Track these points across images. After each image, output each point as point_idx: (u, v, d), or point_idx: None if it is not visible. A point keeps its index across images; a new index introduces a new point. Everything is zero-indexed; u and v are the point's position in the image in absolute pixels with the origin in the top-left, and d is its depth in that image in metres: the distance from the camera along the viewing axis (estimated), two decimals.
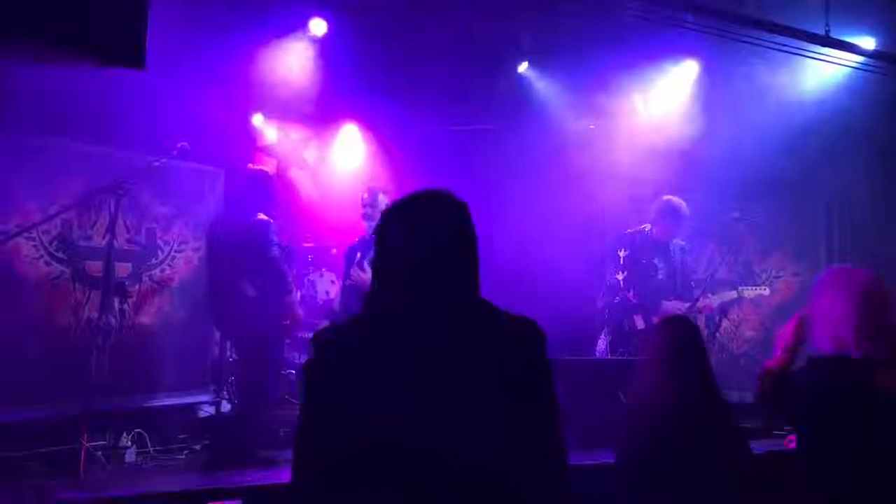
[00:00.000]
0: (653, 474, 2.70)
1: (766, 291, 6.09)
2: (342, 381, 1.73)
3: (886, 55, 6.18)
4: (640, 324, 5.71)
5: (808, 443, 3.04)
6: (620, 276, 5.79)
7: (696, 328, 3.05)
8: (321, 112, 7.64)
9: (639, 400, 2.91)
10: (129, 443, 5.51)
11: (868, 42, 6.23)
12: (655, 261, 5.83)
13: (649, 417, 2.82)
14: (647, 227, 5.91)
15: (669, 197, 5.88)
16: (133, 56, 2.92)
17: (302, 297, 6.82)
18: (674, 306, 5.69)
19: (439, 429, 1.67)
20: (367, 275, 5.42)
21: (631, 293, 5.74)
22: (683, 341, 2.94)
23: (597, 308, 5.97)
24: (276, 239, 5.25)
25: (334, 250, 7.36)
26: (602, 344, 5.87)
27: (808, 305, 3.02)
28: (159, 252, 6.04)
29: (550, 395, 1.79)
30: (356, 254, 5.81)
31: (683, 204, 5.87)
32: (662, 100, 7.25)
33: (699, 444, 2.70)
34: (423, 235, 1.79)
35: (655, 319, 5.66)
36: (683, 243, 5.97)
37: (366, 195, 5.84)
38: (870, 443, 2.79)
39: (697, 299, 5.74)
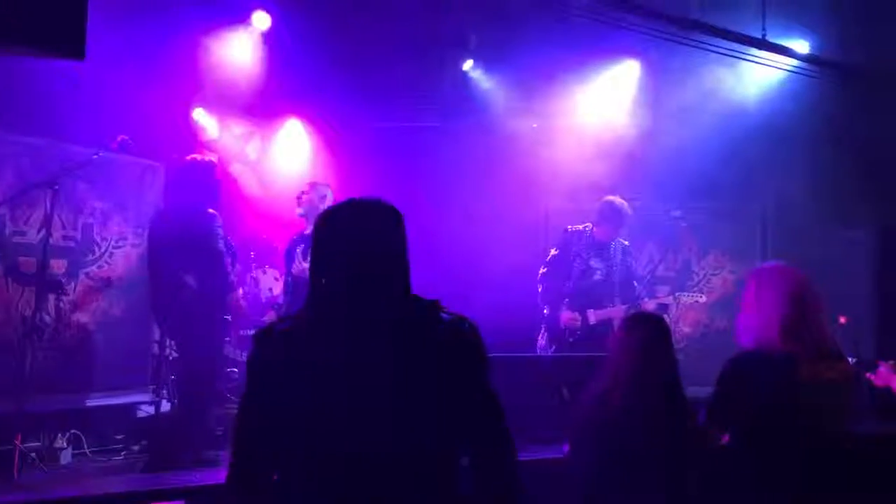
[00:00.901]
0: (611, 473, 2.71)
1: (703, 298, 6.17)
2: (280, 378, 1.80)
3: (819, 59, 6.38)
4: (569, 321, 5.76)
5: (744, 438, 3.13)
6: (541, 271, 5.85)
7: (664, 328, 3.05)
8: (264, 107, 7.55)
9: (598, 397, 2.91)
10: (65, 444, 5.37)
11: (802, 46, 6.42)
12: (593, 262, 5.87)
13: (609, 415, 2.82)
14: (589, 226, 5.96)
15: (611, 198, 5.92)
16: (73, 47, 2.85)
17: (246, 293, 6.73)
18: (603, 314, 5.75)
19: (378, 425, 1.75)
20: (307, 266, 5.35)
21: (540, 288, 5.79)
22: (653, 341, 2.95)
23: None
24: (221, 232, 5.14)
25: (277, 246, 7.27)
26: (542, 341, 5.90)
27: (745, 301, 3.09)
28: (96, 248, 5.89)
29: (487, 384, 1.89)
30: (297, 248, 5.75)
31: (625, 204, 5.92)
32: (605, 99, 7.34)
33: (660, 443, 2.73)
34: (356, 239, 1.90)
35: (592, 320, 5.74)
36: (626, 243, 6.01)
37: (305, 189, 5.78)
38: (801, 430, 2.88)
39: (632, 305, 5.75)
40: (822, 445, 2.91)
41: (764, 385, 3.00)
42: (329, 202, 5.81)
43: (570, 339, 5.67)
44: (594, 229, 5.90)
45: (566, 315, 5.70)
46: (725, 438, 3.22)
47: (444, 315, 1.88)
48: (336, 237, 1.92)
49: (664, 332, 3.02)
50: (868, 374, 3.78)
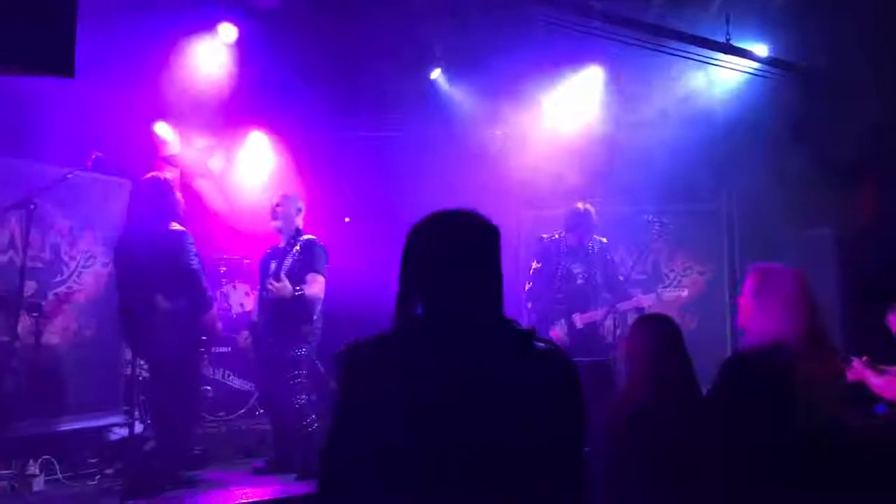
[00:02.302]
0: (632, 473, 2.72)
1: (685, 293, 6.29)
2: (370, 391, 1.73)
3: (780, 62, 6.52)
4: (559, 332, 5.80)
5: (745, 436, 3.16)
6: (528, 286, 5.89)
7: (675, 328, 3.06)
8: (227, 120, 7.42)
9: (616, 399, 2.92)
10: (37, 470, 5.19)
11: (762, 49, 6.56)
12: (573, 267, 5.92)
13: (628, 417, 2.83)
14: (561, 232, 6.01)
15: (577, 205, 5.99)
16: (62, 65, 2.79)
17: (217, 310, 6.60)
18: (587, 317, 5.80)
19: (465, 442, 1.67)
20: (283, 285, 5.28)
21: (530, 305, 5.83)
22: (665, 340, 2.97)
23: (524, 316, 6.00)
24: (194, 249, 5.02)
25: (247, 261, 7.17)
26: None
27: (744, 301, 3.14)
28: (65, 268, 5.74)
29: (579, 420, 1.78)
30: (270, 263, 5.65)
31: (592, 209, 5.98)
32: (571, 106, 7.40)
33: (679, 442, 2.74)
34: (455, 257, 1.81)
35: (579, 324, 5.79)
36: (604, 240, 6.08)
37: (276, 200, 5.69)
38: (798, 427, 2.92)
39: (613, 306, 5.81)
40: (820, 441, 2.95)
41: (761, 382, 3.04)
42: (303, 214, 5.74)
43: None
44: (566, 236, 5.95)
45: (555, 333, 5.75)
46: None
47: (539, 345, 1.77)
48: (434, 253, 1.82)
49: (675, 330, 3.04)
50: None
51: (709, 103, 6.84)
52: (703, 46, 6.24)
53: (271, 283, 5.27)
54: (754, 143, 6.58)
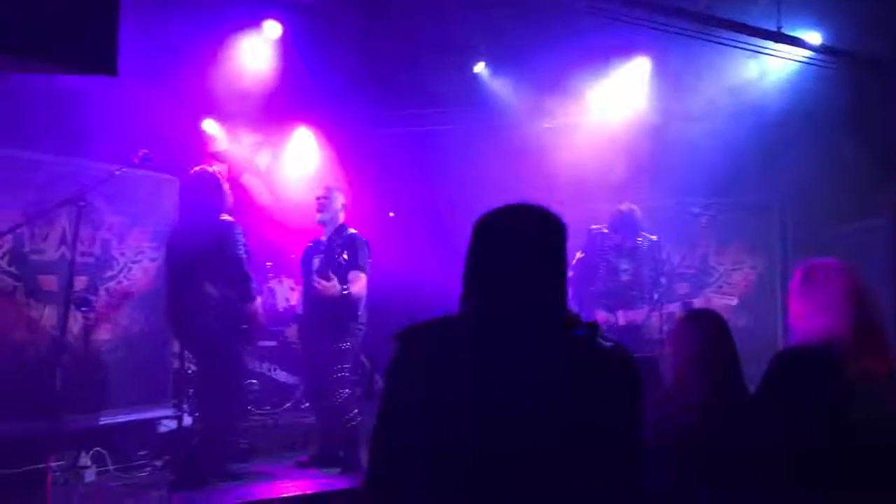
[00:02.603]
0: (681, 474, 2.66)
1: (734, 301, 6.12)
2: (425, 379, 1.70)
3: (834, 49, 6.34)
4: (603, 321, 5.74)
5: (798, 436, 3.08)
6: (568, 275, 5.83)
7: (724, 324, 2.97)
8: (273, 116, 7.51)
9: (665, 397, 2.86)
10: (89, 462, 5.31)
11: (815, 37, 6.38)
12: (619, 263, 5.84)
13: (675, 415, 2.77)
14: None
15: (621, 206, 5.89)
16: (105, 64, 2.82)
17: (262, 304, 6.66)
18: (630, 316, 5.72)
19: (522, 442, 1.62)
20: (332, 284, 5.30)
21: (571, 293, 5.77)
22: (712, 338, 2.89)
23: None
24: (242, 240, 5.08)
25: (293, 256, 7.22)
26: None
27: (791, 299, 3.06)
28: (115, 263, 5.84)
29: (640, 421, 1.75)
30: (313, 259, 5.68)
31: (636, 209, 5.89)
32: (617, 97, 7.30)
33: (726, 444, 2.68)
34: (513, 246, 1.77)
35: (622, 321, 5.71)
36: (654, 238, 5.98)
37: (321, 193, 5.71)
38: (850, 426, 2.83)
39: (657, 304, 5.71)
40: (872, 441, 2.86)
41: (812, 381, 2.96)
42: (346, 208, 5.76)
43: None
44: (613, 235, 5.88)
45: (601, 316, 5.68)
46: None
47: (604, 343, 1.73)
48: (500, 247, 1.78)
49: (722, 327, 2.94)
50: None
51: (759, 93, 6.68)
52: (753, 35, 6.09)
53: (318, 282, 5.29)
54: (807, 133, 6.43)
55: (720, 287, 6.99)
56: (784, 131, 6.52)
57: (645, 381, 2.93)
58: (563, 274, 1.82)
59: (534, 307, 1.74)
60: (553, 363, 1.67)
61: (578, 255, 5.94)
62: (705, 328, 2.92)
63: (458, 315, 1.77)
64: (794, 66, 6.46)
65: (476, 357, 1.68)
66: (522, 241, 1.78)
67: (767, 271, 7.19)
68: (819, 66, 6.31)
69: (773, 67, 6.61)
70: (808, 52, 6.24)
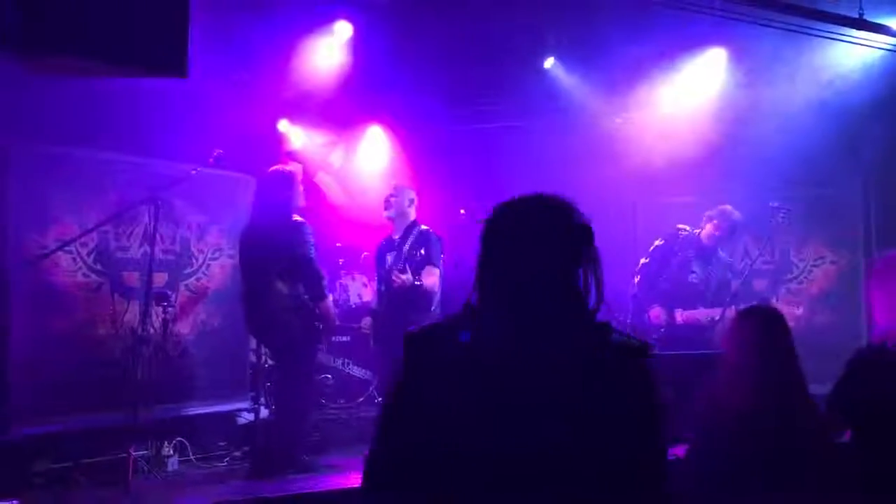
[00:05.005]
0: (735, 474, 2.60)
1: (799, 311, 5.90)
2: (431, 380, 1.68)
3: None
4: (659, 314, 5.67)
5: (866, 436, 2.99)
6: (643, 261, 5.77)
7: (779, 318, 2.85)
8: (346, 115, 7.64)
9: (717, 397, 2.77)
10: (171, 451, 5.53)
11: None
12: (693, 263, 5.74)
13: (731, 414, 2.70)
14: (697, 231, 5.83)
15: (734, 214, 5.73)
16: (176, 66, 2.92)
17: (335, 301, 6.80)
18: (689, 315, 5.61)
19: (532, 436, 1.59)
20: (408, 277, 5.40)
21: (637, 279, 5.70)
22: (768, 335, 2.77)
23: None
24: (312, 240, 5.20)
25: (365, 253, 7.34)
26: None
27: (871, 293, 2.97)
28: (194, 260, 6.05)
29: (656, 419, 1.67)
30: (387, 255, 5.79)
31: (738, 215, 5.75)
32: (692, 90, 7.15)
33: (786, 444, 2.60)
34: (515, 245, 1.72)
35: (679, 319, 5.60)
36: (731, 260, 5.91)
37: (392, 192, 5.81)
38: None
39: (729, 304, 5.55)
40: None
41: (888, 381, 2.88)
42: (415, 205, 5.84)
43: (655, 336, 5.55)
44: (701, 233, 5.77)
45: (655, 312, 5.62)
46: (847, 436, 3.09)
47: (615, 337, 1.67)
48: (513, 238, 1.72)
49: (779, 324, 2.82)
50: None
51: (840, 83, 6.45)
52: (833, 23, 5.88)
53: (397, 276, 5.38)
54: (890, 123, 6.18)
55: (800, 283, 6.78)
56: (866, 122, 6.29)
57: (702, 379, 2.87)
58: (575, 271, 1.71)
59: (540, 306, 1.68)
60: (561, 362, 1.62)
61: (657, 241, 5.85)
62: (759, 323, 2.82)
63: (464, 318, 1.72)
64: (877, 54, 6.22)
65: (484, 359, 1.64)
66: (527, 240, 1.71)
67: (850, 267, 6.91)
68: None
69: (854, 55, 6.38)
70: (890, 39, 6.00)
